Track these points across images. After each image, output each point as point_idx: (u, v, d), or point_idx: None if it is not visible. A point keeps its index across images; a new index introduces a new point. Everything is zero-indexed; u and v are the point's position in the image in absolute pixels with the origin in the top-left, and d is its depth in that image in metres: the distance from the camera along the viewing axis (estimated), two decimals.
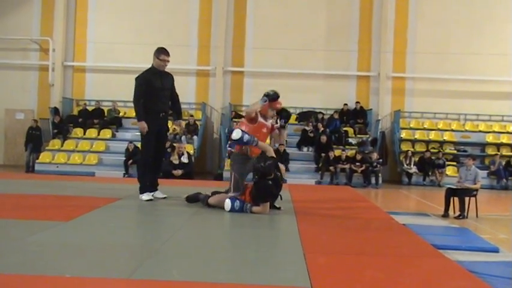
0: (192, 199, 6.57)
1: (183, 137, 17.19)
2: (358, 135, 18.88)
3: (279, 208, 6.39)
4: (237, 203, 6.08)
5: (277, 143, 6.68)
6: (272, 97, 6.38)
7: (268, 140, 6.93)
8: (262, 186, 6.06)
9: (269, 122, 6.60)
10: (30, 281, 3.29)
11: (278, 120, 6.67)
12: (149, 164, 6.87)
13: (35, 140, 17.98)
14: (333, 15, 19.54)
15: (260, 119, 6.43)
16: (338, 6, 19.51)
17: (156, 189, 7.01)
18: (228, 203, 6.08)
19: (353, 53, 19.48)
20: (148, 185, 6.90)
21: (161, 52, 6.77)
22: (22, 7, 19.80)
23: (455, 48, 19.11)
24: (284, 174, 6.58)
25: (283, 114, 6.57)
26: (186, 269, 3.72)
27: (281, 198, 6.38)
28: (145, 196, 6.80)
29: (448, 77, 19.14)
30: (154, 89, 6.71)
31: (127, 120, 18.95)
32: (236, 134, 6.18)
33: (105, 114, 19.17)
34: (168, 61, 6.82)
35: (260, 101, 6.39)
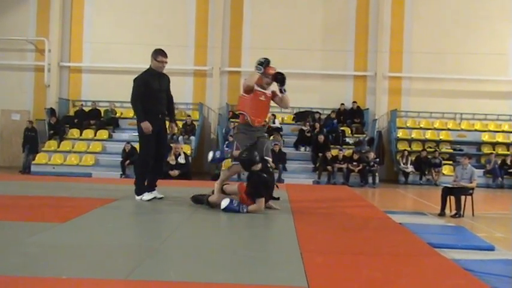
0: (197, 200, 6.57)
1: (180, 137, 17.19)
2: (355, 135, 18.91)
3: (278, 198, 6.46)
4: (236, 202, 6.09)
5: (282, 108, 6.75)
6: (266, 64, 6.39)
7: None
8: (258, 180, 6.08)
9: (269, 90, 6.57)
10: (27, 283, 3.29)
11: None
12: (149, 165, 6.86)
13: (30, 141, 17.98)
14: (329, 16, 19.57)
15: (256, 88, 6.44)
16: (335, 7, 19.55)
17: (154, 189, 7.00)
18: (225, 201, 6.10)
19: (350, 53, 19.52)
20: (146, 185, 6.89)
21: (159, 53, 6.76)
22: (18, 7, 19.76)
23: (452, 48, 19.17)
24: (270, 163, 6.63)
25: (278, 78, 6.48)
26: (184, 269, 3.72)
27: (277, 187, 6.46)
28: (146, 196, 6.79)
29: (444, 76, 19.21)
30: (153, 91, 6.71)
31: (124, 120, 18.94)
32: (209, 157, 6.59)
33: (102, 114, 19.14)
34: (166, 62, 6.80)
35: (256, 71, 6.38)
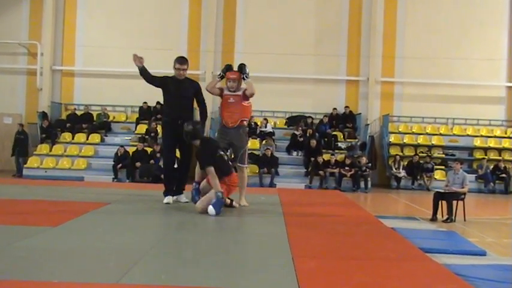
0: None
1: None
2: (347, 140, 18.94)
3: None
4: (213, 200, 6.13)
5: (250, 94, 6.91)
6: (227, 70, 7.15)
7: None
8: (202, 149, 6.42)
9: (240, 91, 7.01)
10: (18, 287, 3.28)
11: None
12: (170, 168, 7.05)
13: (20, 145, 17.90)
14: (322, 20, 19.62)
15: (226, 92, 7.07)
16: (327, 12, 19.61)
17: (181, 193, 7.18)
18: (210, 208, 6.11)
19: (342, 57, 19.57)
20: (171, 188, 7.03)
21: (175, 61, 6.93)
22: (10, 11, 19.68)
23: (444, 53, 19.25)
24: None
25: (238, 68, 7.14)
26: (175, 273, 3.72)
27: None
28: (166, 199, 6.95)
29: (437, 81, 19.29)
30: (169, 95, 6.89)
31: (116, 124, 18.87)
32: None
33: (94, 118, 19.07)
34: (183, 69, 6.92)
35: (217, 77, 7.26)
